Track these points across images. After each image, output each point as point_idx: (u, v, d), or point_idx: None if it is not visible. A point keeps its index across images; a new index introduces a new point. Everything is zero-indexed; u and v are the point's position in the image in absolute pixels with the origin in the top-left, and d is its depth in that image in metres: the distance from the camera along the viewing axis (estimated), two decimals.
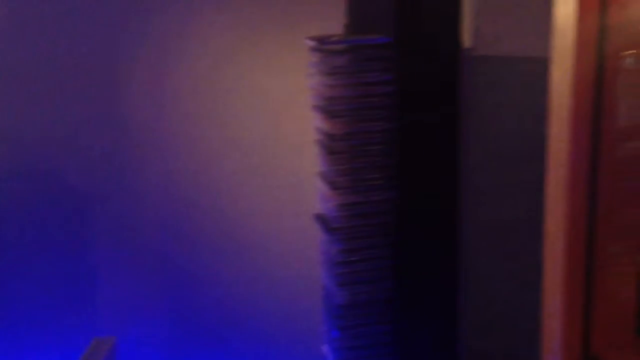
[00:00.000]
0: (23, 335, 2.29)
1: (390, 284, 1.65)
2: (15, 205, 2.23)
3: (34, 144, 2.19)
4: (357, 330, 1.65)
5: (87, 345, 2.03)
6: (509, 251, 1.55)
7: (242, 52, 2.16)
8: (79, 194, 2.24)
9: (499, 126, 1.54)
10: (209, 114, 2.21)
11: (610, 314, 1.51)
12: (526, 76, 1.45)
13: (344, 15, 1.87)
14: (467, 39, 1.58)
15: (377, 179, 1.62)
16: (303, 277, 2.25)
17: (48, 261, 2.25)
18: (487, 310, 1.63)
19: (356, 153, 1.60)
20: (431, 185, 1.65)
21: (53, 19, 2.10)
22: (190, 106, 2.21)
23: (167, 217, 2.27)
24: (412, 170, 1.63)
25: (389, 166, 1.62)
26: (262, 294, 2.32)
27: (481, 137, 1.59)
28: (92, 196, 2.25)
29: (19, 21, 2.12)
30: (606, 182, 1.47)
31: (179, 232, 2.28)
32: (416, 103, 1.61)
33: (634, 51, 1.53)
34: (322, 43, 1.57)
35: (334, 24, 1.91)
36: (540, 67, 1.39)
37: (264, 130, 2.22)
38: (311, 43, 1.60)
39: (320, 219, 1.72)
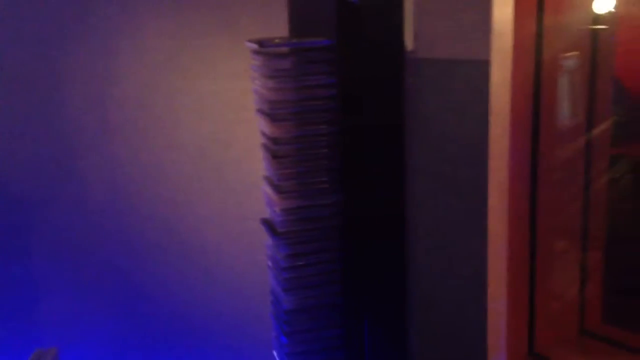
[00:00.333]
0: None
1: (338, 288, 1.65)
2: None
3: None
4: (305, 335, 1.64)
5: (29, 356, 1.97)
6: (453, 252, 1.56)
7: (186, 57, 2.12)
8: (20, 202, 2.17)
9: (441, 128, 1.55)
10: (153, 119, 2.16)
11: (554, 312, 1.54)
12: (467, 78, 1.46)
13: (287, 18, 1.86)
14: (408, 41, 1.59)
15: (322, 182, 1.61)
16: (253, 282, 2.23)
17: None
18: (433, 311, 1.64)
19: (301, 157, 1.58)
20: (377, 187, 1.65)
21: None
22: (134, 112, 2.16)
23: (111, 225, 2.21)
24: (358, 173, 1.63)
25: (334, 169, 1.62)
26: (210, 300, 2.28)
27: (424, 139, 1.60)
28: (33, 204, 2.18)
29: None
30: (546, 182, 1.49)
31: (123, 239, 2.22)
32: (360, 106, 1.61)
33: (572, 53, 1.56)
34: (263, 46, 1.55)
35: (279, 27, 1.89)
36: (480, 69, 1.40)
37: (210, 135, 2.19)
38: (252, 46, 1.57)
39: (267, 223, 1.70)
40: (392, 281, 1.66)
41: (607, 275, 1.59)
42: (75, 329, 2.25)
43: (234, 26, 2.07)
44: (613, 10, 1.59)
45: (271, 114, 1.55)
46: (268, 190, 1.67)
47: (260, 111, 1.63)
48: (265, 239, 1.74)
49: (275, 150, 1.56)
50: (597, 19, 1.54)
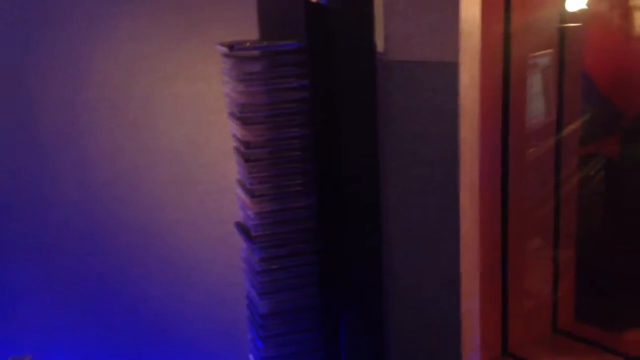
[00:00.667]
0: None
1: (314, 290, 1.64)
2: None
3: None
4: (281, 338, 1.63)
5: None
6: (427, 252, 1.57)
7: (159, 60, 2.10)
8: None
9: (413, 129, 1.55)
10: (127, 123, 2.15)
11: (527, 311, 1.55)
12: (436, 80, 1.46)
13: (257, 21, 1.85)
14: (379, 43, 1.59)
15: (296, 185, 1.61)
16: (229, 285, 2.22)
17: None
18: (409, 312, 1.64)
19: (273, 160, 1.58)
20: (351, 189, 1.65)
21: None
22: (107, 116, 2.14)
23: (85, 229, 2.19)
24: (332, 175, 1.63)
25: (308, 172, 1.61)
26: (186, 304, 2.27)
27: (397, 141, 1.60)
28: (4, 208, 2.16)
29: None
30: (517, 181, 1.50)
31: (97, 244, 2.20)
32: (332, 108, 1.61)
33: (540, 51, 1.57)
34: (234, 49, 1.54)
35: (250, 29, 1.88)
36: (449, 70, 1.40)
37: (185, 138, 2.18)
38: (223, 49, 1.57)
39: (241, 227, 1.70)
40: (368, 282, 1.66)
41: (580, 273, 1.60)
42: (50, 335, 2.23)
43: (206, 29, 2.06)
44: (582, 7, 1.60)
45: (242, 117, 1.55)
46: (241, 194, 1.66)
47: (232, 115, 1.63)
48: (241, 242, 1.73)
49: (247, 154, 1.56)
50: (566, 16, 1.55)
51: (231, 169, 1.81)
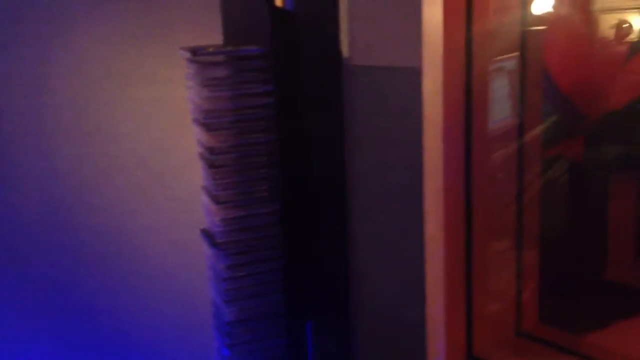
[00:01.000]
0: None
1: (281, 297, 1.64)
2: None
3: None
4: (247, 346, 1.63)
5: None
6: (393, 257, 1.57)
7: (123, 64, 2.07)
8: None
9: (379, 135, 1.55)
10: (90, 128, 2.11)
11: (491, 314, 1.56)
12: (400, 86, 1.46)
13: (222, 26, 1.84)
14: (344, 49, 1.59)
15: (261, 191, 1.60)
16: (197, 292, 2.20)
17: None
18: (375, 317, 1.65)
19: (239, 166, 1.57)
20: (318, 194, 1.65)
21: None
22: (70, 121, 2.11)
23: (48, 237, 2.15)
24: (298, 181, 1.63)
25: (273, 178, 1.61)
26: (153, 311, 2.25)
27: (363, 146, 1.60)
28: None
29: None
30: (481, 185, 1.51)
31: (61, 251, 2.16)
32: (298, 113, 1.61)
33: (504, 56, 1.59)
34: (197, 54, 1.53)
35: (214, 34, 1.87)
36: (412, 76, 1.41)
37: (150, 143, 2.15)
38: (186, 54, 1.55)
39: (206, 233, 1.68)
40: (334, 288, 1.66)
41: (543, 275, 1.62)
42: (13, 345, 2.19)
43: (170, 33, 2.04)
44: (545, 11, 1.62)
45: (207, 123, 1.54)
46: (206, 200, 1.65)
47: (196, 120, 1.61)
48: (207, 249, 1.72)
49: (211, 160, 1.55)
50: (530, 20, 1.56)
51: (198, 175, 1.80)
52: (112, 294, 2.22)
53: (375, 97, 1.56)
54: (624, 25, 1.81)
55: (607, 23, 1.81)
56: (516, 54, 1.57)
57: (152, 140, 2.15)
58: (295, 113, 1.60)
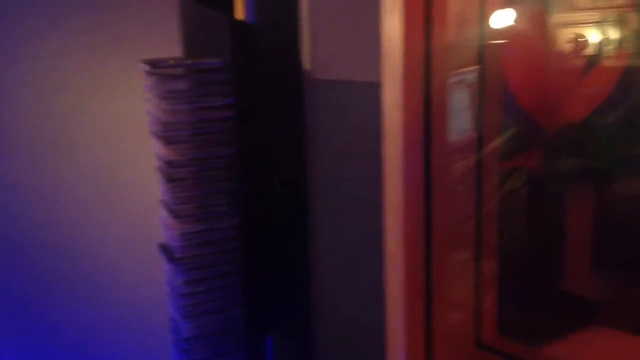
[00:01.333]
0: None
1: (241, 312, 1.62)
2: None
3: None
4: None
5: None
6: (354, 271, 1.57)
7: (80, 76, 2.04)
8: None
9: (340, 149, 1.55)
10: (47, 141, 2.07)
11: (450, 327, 1.57)
12: (361, 100, 1.47)
13: (182, 38, 1.82)
14: (306, 62, 1.59)
15: (221, 205, 1.58)
16: (154, 308, 2.16)
17: None
18: (336, 330, 1.64)
19: (198, 180, 1.55)
20: (278, 208, 1.64)
21: None
22: (26, 133, 2.07)
23: (3, 253, 2.10)
24: (258, 195, 1.62)
25: (233, 192, 1.59)
26: (111, 327, 2.21)
27: (324, 160, 1.60)
28: None
29: None
30: (440, 198, 1.52)
31: (16, 266, 2.12)
32: (259, 127, 1.60)
33: (463, 69, 1.60)
34: (156, 66, 1.51)
35: (173, 46, 1.85)
36: (372, 90, 1.41)
37: (108, 156, 2.12)
38: (144, 66, 1.53)
39: (164, 248, 1.66)
40: (295, 302, 1.65)
41: (502, 287, 1.63)
42: None
43: (129, 45, 2.02)
44: (504, 25, 1.64)
45: (165, 136, 1.52)
46: (164, 214, 1.62)
47: (155, 133, 1.59)
48: (165, 264, 1.69)
49: (170, 173, 1.52)
50: (489, 34, 1.58)
51: (158, 188, 1.77)
52: (68, 309, 2.17)
53: (336, 110, 1.56)
54: (580, 40, 1.84)
55: (564, 37, 1.84)
56: (476, 67, 1.58)
57: (110, 152, 2.11)
58: (256, 126, 1.59)
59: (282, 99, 1.60)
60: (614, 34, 1.82)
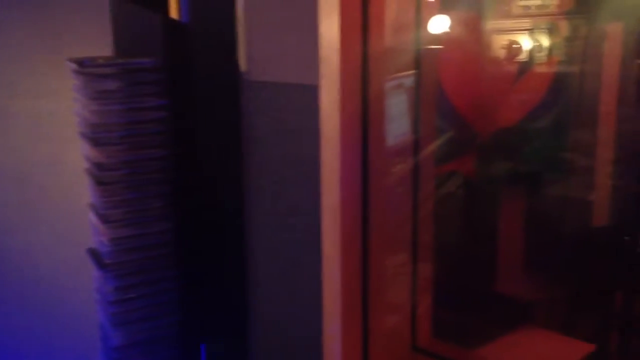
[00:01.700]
0: None
1: (174, 319, 1.58)
2: None
3: None
4: None
5: None
6: (291, 276, 1.55)
7: (8, 75, 1.95)
8: None
9: (277, 152, 1.53)
10: None
11: (386, 330, 1.57)
12: (298, 103, 1.45)
13: (113, 36, 1.77)
14: (242, 63, 1.56)
15: (154, 209, 1.54)
16: (83, 315, 2.09)
17: None
18: (274, 336, 1.62)
19: (129, 183, 1.50)
20: (214, 212, 1.60)
21: None
22: None
23: None
24: (193, 198, 1.58)
25: (167, 195, 1.55)
26: (37, 336, 2.12)
27: (262, 163, 1.58)
28: None
29: None
30: (377, 201, 1.52)
31: None
32: (194, 128, 1.56)
33: (400, 73, 1.61)
34: (84, 66, 1.45)
35: (105, 45, 1.79)
36: (310, 93, 1.40)
37: (35, 158, 2.03)
38: (72, 65, 1.47)
39: (93, 253, 1.60)
40: (231, 308, 1.62)
41: (438, 289, 1.65)
42: None
43: (59, 43, 1.95)
44: (441, 30, 1.66)
45: (95, 138, 1.46)
46: (94, 218, 1.56)
47: (83, 135, 1.53)
48: (94, 270, 1.63)
49: (100, 176, 1.47)
50: (425, 39, 1.59)
51: (87, 191, 1.71)
52: None
53: (273, 113, 1.53)
54: (514, 46, 1.88)
55: (498, 43, 1.88)
56: (412, 71, 1.59)
57: (38, 153, 2.03)
58: (191, 128, 1.55)
59: (218, 100, 1.57)
60: (545, 41, 1.87)
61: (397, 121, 1.61)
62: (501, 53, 1.88)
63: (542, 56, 1.88)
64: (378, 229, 1.53)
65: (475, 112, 1.87)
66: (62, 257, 2.09)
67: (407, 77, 1.59)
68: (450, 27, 1.70)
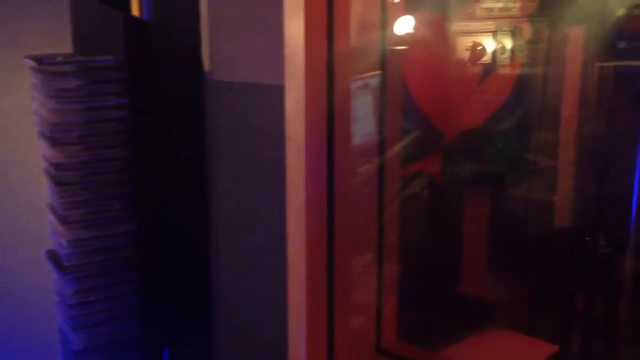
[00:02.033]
0: None
1: (136, 322, 1.55)
2: None
3: None
4: None
5: None
6: (256, 279, 1.54)
7: None
8: None
9: (242, 153, 1.52)
10: None
11: (352, 332, 1.56)
12: (263, 103, 1.44)
13: (73, 34, 1.72)
14: (206, 62, 1.54)
15: (115, 210, 1.50)
16: (43, 319, 2.04)
17: None
18: (238, 340, 1.60)
19: (89, 183, 1.46)
20: (177, 213, 1.57)
21: None
22: None
23: None
24: (155, 199, 1.55)
25: (128, 196, 1.52)
26: None
27: (226, 164, 1.56)
28: None
29: None
30: (342, 203, 1.51)
31: None
32: (156, 128, 1.53)
33: (365, 74, 1.60)
34: (43, 63, 1.42)
35: (64, 42, 1.75)
36: (274, 94, 1.39)
37: None
38: (30, 63, 1.43)
39: (52, 255, 1.56)
40: (193, 311, 1.60)
41: (403, 291, 1.65)
42: None
43: (18, 40, 1.89)
44: (406, 31, 1.66)
45: (53, 137, 1.42)
46: (52, 220, 1.53)
47: (42, 134, 1.49)
48: (53, 272, 1.59)
49: (58, 176, 1.43)
50: (391, 39, 1.59)
51: (46, 192, 1.67)
52: None
53: (237, 113, 1.52)
54: (478, 48, 1.90)
55: (463, 45, 1.89)
56: (378, 72, 1.59)
57: None
58: (154, 128, 1.52)
59: (181, 100, 1.54)
60: (508, 43, 1.88)
61: (363, 122, 1.61)
62: (465, 55, 1.89)
63: (505, 58, 1.89)
64: (343, 231, 1.52)
65: (440, 113, 1.87)
66: (20, 258, 2.04)
67: (373, 78, 1.59)
68: (415, 28, 1.70)
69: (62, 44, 1.75)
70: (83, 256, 1.46)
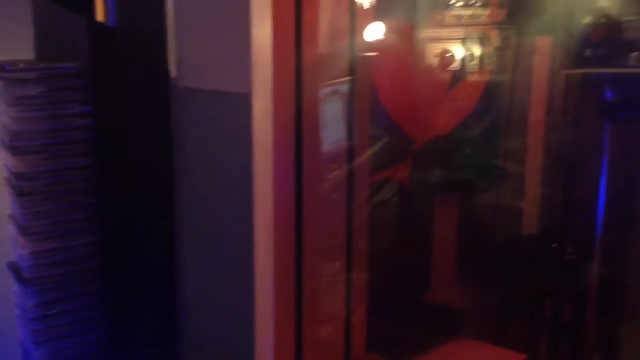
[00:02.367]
0: None
1: (100, 335, 1.51)
2: None
3: None
4: None
5: None
6: (223, 288, 1.52)
7: None
8: None
9: (209, 161, 1.50)
10: None
11: (321, 342, 1.55)
12: (231, 111, 1.42)
13: (35, 40, 1.68)
14: (172, 69, 1.52)
15: (78, 221, 1.47)
16: (2, 333, 1.99)
17: None
18: (205, 351, 1.58)
19: (51, 194, 1.43)
20: (142, 224, 1.55)
21: None
22: None
23: None
24: (120, 209, 1.52)
25: (93, 207, 1.49)
26: None
27: (193, 172, 1.53)
28: None
29: None
30: (311, 211, 1.50)
31: None
32: (121, 136, 1.50)
33: (334, 81, 1.60)
34: (4, 70, 1.38)
35: (28, 49, 1.71)
36: (242, 102, 1.37)
37: None
38: None
39: (13, 268, 1.52)
40: (161, 322, 1.57)
41: (372, 300, 1.64)
42: None
43: None
44: (376, 38, 1.66)
45: (14, 146, 1.39)
46: (13, 231, 1.49)
47: (2, 142, 1.46)
48: (15, 285, 1.55)
49: (19, 186, 1.40)
50: (360, 46, 1.59)
51: (6, 202, 1.63)
52: None
53: (204, 121, 1.50)
54: (447, 55, 1.90)
55: (432, 52, 1.89)
56: (347, 79, 1.58)
57: None
58: (119, 136, 1.50)
59: (147, 108, 1.52)
60: (477, 50, 1.89)
61: (332, 129, 1.60)
62: (435, 62, 1.89)
63: (474, 65, 1.90)
64: (312, 239, 1.51)
65: (409, 120, 1.88)
66: None
67: (342, 84, 1.58)
68: (385, 35, 1.70)
69: (23, 50, 1.71)
70: (45, 268, 1.43)
